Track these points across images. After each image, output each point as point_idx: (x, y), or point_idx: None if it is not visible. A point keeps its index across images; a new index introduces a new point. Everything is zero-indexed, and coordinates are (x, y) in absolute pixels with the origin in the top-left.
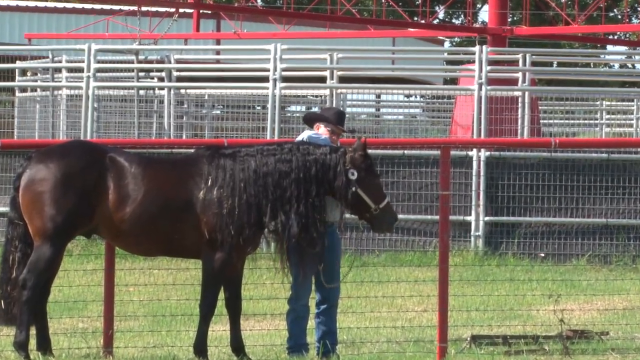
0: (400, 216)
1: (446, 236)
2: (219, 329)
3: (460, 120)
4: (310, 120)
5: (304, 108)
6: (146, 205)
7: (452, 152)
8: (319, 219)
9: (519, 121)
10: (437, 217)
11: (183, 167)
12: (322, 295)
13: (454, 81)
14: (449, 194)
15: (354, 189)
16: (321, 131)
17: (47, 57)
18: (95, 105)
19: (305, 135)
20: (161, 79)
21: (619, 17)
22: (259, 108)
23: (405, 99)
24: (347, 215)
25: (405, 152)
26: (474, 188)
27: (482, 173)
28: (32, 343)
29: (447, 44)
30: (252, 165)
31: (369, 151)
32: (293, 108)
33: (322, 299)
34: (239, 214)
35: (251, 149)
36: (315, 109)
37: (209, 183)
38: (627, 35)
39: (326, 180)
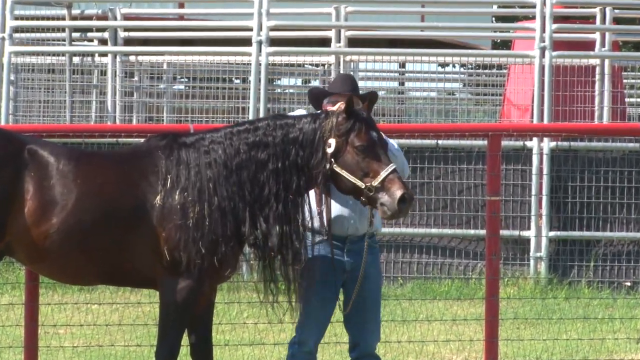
0: (432, 231)
1: (495, 258)
2: None
3: (514, 98)
4: (315, 98)
5: (299, 82)
6: (80, 215)
7: (504, 143)
8: (302, 219)
9: (596, 100)
10: (482, 232)
11: (132, 162)
12: (353, 340)
13: (506, 45)
14: (499, 200)
15: (327, 165)
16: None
17: None
18: (12, 78)
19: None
20: (103, 42)
21: None
22: (237, 81)
23: (440, 69)
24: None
25: (440, 142)
26: (533, 192)
27: (545, 171)
28: None
29: None
30: (221, 157)
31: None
32: (285, 81)
33: (353, 344)
34: (211, 225)
35: (217, 134)
36: (315, 83)
37: (169, 184)
38: None
39: (306, 164)
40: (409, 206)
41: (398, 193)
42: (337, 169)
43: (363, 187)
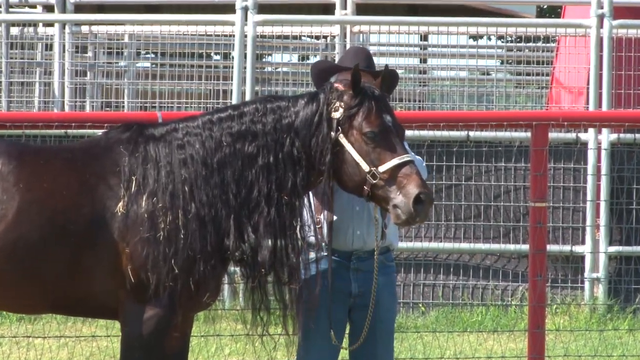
0: (461, 245)
1: (541, 280)
2: None
3: (565, 78)
4: (319, 74)
5: (295, 58)
6: (23, 228)
7: (552, 135)
8: (300, 227)
9: None
10: (525, 248)
11: (87, 161)
12: None
13: (554, 12)
14: (546, 207)
15: (333, 134)
16: None
17: None
18: None
19: None
20: (48, 8)
21: None
22: (217, 58)
23: (472, 42)
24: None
25: (472, 134)
26: (589, 197)
27: (603, 170)
28: None
29: None
30: (199, 152)
31: (427, 133)
32: (277, 58)
33: None
34: (187, 238)
35: (193, 124)
36: (316, 60)
37: (133, 187)
38: None
39: (302, 155)
40: (428, 208)
41: (414, 191)
42: (343, 140)
43: (367, 170)
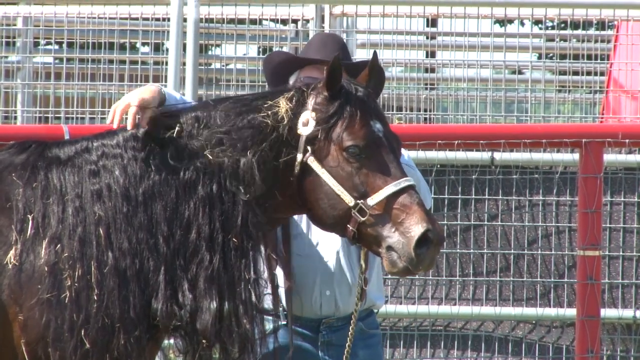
0: (482, 310)
1: (594, 357)
2: None
3: (626, 79)
4: (274, 71)
5: (253, 50)
6: None
7: (608, 157)
8: (255, 282)
9: None
10: (570, 313)
11: None
12: None
13: None
14: (599, 256)
15: (300, 157)
16: None
17: None
18: None
19: None
20: None
21: None
22: (146, 50)
23: (498, 29)
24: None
25: (497, 155)
26: None
27: None
28: None
29: None
30: (119, 180)
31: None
32: (229, 51)
33: None
34: (102, 300)
35: (111, 142)
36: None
37: (29, 230)
38: None
39: (267, 172)
40: (435, 252)
41: (416, 229)
42: (314, 165)
43: (352, 203)
